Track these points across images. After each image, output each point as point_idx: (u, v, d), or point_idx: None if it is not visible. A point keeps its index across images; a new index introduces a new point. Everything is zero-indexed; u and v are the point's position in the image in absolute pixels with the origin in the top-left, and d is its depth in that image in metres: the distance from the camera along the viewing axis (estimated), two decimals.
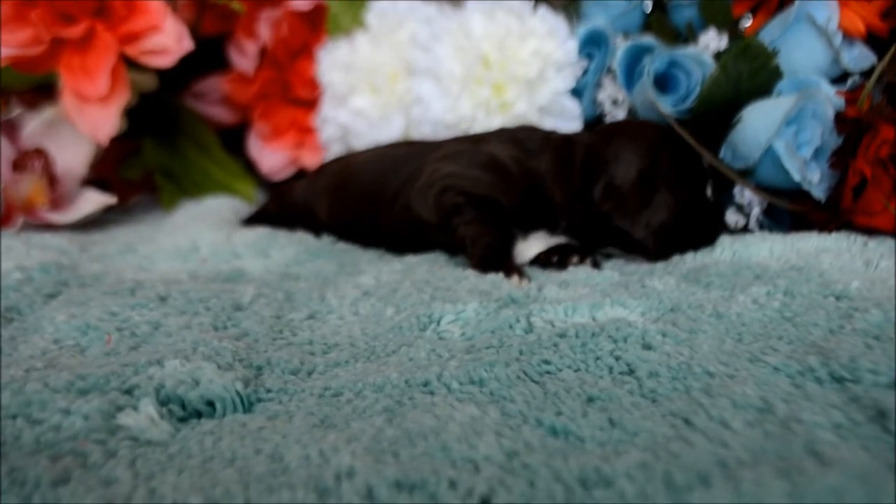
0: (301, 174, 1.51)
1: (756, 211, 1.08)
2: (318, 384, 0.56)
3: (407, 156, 1.08)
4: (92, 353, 0.63)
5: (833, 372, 0.53)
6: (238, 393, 0.53)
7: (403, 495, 0.38)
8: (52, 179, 1.26)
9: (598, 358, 0.59)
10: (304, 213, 1.19)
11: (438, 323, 0.69)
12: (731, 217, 1.11)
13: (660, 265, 0.92)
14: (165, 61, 1.19)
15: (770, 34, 1.12)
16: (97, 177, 1.40)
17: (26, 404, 0.50)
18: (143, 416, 0.50)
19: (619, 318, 0.65)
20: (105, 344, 0.65)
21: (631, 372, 0.56)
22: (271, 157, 1.52)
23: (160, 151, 1.46)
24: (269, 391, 0.56)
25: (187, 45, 1.19)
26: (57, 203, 1.27)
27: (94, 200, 1.29)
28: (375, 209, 1.07)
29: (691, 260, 0.93)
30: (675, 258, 0.95)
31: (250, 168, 1.54)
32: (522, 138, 0.99)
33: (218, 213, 1.32)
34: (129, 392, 0.53)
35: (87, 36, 1.17)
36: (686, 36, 1.22)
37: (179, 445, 0.47)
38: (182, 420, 0.52)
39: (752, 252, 0.93)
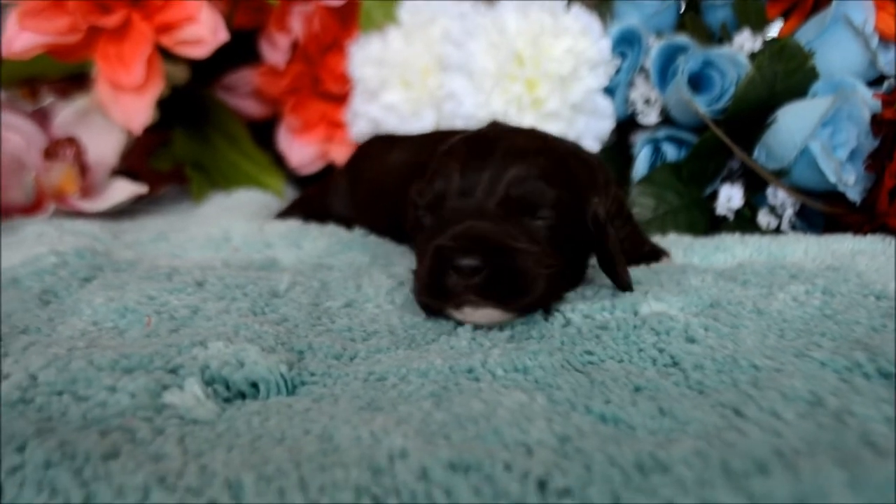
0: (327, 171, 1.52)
1: (789, 212, 1.08)
2: (362, 369, 0.56)
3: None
4: (131, 336, 0.64)
5: (881, 368, 0.52)
6: (282, 375, 0.54)
7: (459, 476, 0.38)
8: (83, 168, 1.26)
9: (641, 350, 0.58)
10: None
11: None
12: (764, 218, 1.10)
13: (691, 265, 0.91)
14: (201, 52, 1.20)
15: (805, 36, 1.11)
16: (127, 168, 1.41)
17: (72, 381, 0.50)
18: (189, 395, 0.50)
19: (660, 312, 0.65)
20: (144, 326, 0.65)
21: (675, 364, 0.56)
22: (301, 150, 1.52)
23: (191, 143, 1.46)
24: (312, 374, 0.56)
25: (223, 35, 1.19)
26: (87, 191, 1.27)
27: (124, 189, 1.29)
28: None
29: (727, 259, 0.92)
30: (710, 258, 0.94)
31: (279, 162, 1.55)
32: None
33: (248, 206, 1.32)
34: (173, 371, 0.53)
35: (123, 25, 1.18)
36: (720, 36, 1.22)
37: (226, 424, 0.47)
38: (226, 400, 0.52)
39: (786, 252, 0.93)
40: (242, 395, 0.53)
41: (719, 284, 0.77)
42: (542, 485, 0.37)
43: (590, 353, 0.58)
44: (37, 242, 0.95)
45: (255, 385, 0.53)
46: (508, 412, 0.45)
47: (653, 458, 0.39)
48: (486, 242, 0.64)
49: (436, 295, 0.66)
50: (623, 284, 0.73)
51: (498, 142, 0.73)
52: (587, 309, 0.68)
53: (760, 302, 0.70)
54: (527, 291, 0.64)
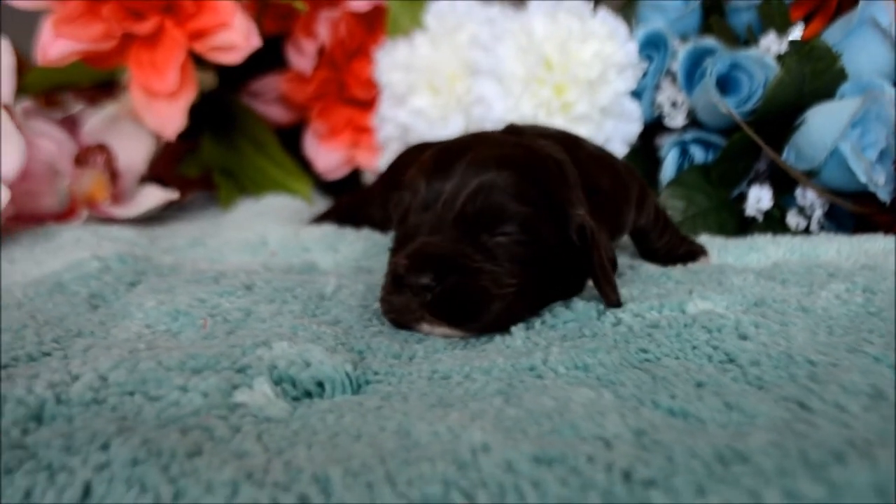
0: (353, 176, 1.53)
1: (818, 213, 1.09)
2: (424, 367, 0.57)
3: None
4: (187, 337, 0.64)
5: None
6: (347, 374, 0.54)
7: (544, 469, 0.39)
8: (113, 174, 1.27)
9: (695, 347, 0.59)
10: None
11: None
12: (793, 219, 1.11)
13: (728, 265, 0.91)
14: (234, 58, 1.21)
15: (832, 37, 1.12)
16: (152, 175, 1.42)
17: (142, 381, 0.51)
18: (259, 394, 0.51)
19: (708, 311, 0.66)
20: (200, 328, 0.66)
21: (731, 360, 0.57)
22: (327, 155, 1.54)
23: (218, 149, 1.47)
24: (376, 373, 0.57)
25: (255, 41, 1.20)
26: (117, 198, 1.29)
27: (155, 196, 1.30)
28: None
29: (761, 259, 0.93)
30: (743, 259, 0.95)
31: (305, 167, 1.56)
32: None
33: (277, 211, 1.33)
34: (241, 371, 0.54)
35: (157, 32, 1.19)
36: (746, 38, 1.23)
37: (301, 422, 0.47)
38: (295, 399, 0.53)
39: (819, 252, 0.94)
40: (308, 394, 0.53)
41: (761, 283, 0.78)
42: (627, 476, 0.38)
43: (645, 350, 0.59)
44: (76, 248, 0.97)
45: (320, 384, 0.54)
46: (580, 407, 0.46)
47: (731, 449, 0.40)
48: (439, 261, 0.63)
49: (396, 312, 0.66)
50: (608, 301, 0.70)
51: (465, 153, 0.71)
52: (636, 308, 0.69)
53: (804, 300, 0.71)
54: (480, 312, 0.64)
